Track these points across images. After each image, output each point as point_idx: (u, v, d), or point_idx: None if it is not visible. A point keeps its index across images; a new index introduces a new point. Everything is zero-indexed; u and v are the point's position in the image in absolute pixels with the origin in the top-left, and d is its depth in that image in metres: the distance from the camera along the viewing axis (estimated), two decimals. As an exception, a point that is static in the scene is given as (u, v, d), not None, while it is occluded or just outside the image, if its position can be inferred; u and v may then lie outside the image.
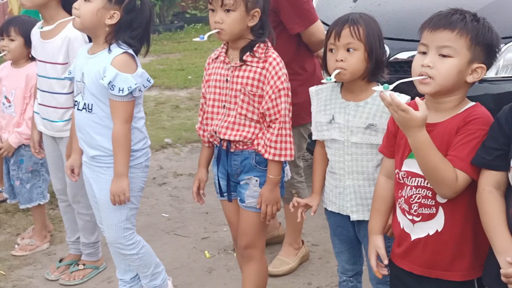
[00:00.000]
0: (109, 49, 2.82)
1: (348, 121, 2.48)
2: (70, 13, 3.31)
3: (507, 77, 3.55)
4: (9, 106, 3.86)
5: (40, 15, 3.43)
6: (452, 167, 2.01)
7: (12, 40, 3.77)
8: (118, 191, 2.85)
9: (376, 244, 2.31)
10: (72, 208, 3.62)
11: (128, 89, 2.77)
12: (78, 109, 2.93)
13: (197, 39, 2.70)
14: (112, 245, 3.08)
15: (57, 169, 3.59)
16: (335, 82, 2.49)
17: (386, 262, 2.29)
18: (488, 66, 2.09)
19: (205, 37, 2.67)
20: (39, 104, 3.45)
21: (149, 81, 2.88)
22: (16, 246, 3.98)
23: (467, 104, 2.13)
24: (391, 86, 2.04)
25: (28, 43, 3.69)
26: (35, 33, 3.43)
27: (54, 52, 3.31)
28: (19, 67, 3.85)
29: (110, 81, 2.76)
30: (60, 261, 3.75)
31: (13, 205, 4.37)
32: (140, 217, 4.43)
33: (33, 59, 3.75)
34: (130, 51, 2.84)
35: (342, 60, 2.40)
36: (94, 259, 3.71)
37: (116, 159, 2.84)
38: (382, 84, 2.06)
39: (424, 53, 2.07)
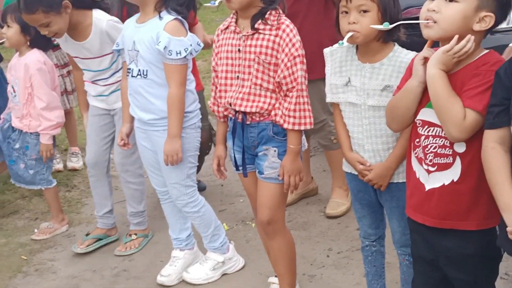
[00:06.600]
0: (160, 16, 2.93)
1: (364, 84, 2.44)
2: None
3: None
4: (15, 96, 3.84)
5: None
6: (461, 105, 1.97)
7: (9, 27, 3.73)
8: (172, 151, 2.98)
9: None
10: (102, 182, 3.69)
11: (185, 51, 2.89)
12: (132, 76, 3.02)
13: (209, 4, 2.72)
14: (176, 202, 3.23)
15: (92, 142, 3.66)
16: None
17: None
18: (498, 16, 2.03)
19: (216, 2, 2.66)
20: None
21: (199, 44, 3.00)
22: (36, 230, 4.00)
23: (482, 52, 2.09)
24: (391, 26, 2.08)
25: (25, 30, 3.66)
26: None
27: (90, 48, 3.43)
28: (21, 56, 3.81)
29: (166, 46, 2.86)
30: (87, 235, 3.78)
31: (29, 190, 4.37)
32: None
33: (33, 47, 3.74)
34: (180, 17, 2.94)
35: (354, 23, 2.34)
36: (143, 228, 3.79)
37: (171, 121, 2.96)
38: (400, 46, 2.04)
39: None
